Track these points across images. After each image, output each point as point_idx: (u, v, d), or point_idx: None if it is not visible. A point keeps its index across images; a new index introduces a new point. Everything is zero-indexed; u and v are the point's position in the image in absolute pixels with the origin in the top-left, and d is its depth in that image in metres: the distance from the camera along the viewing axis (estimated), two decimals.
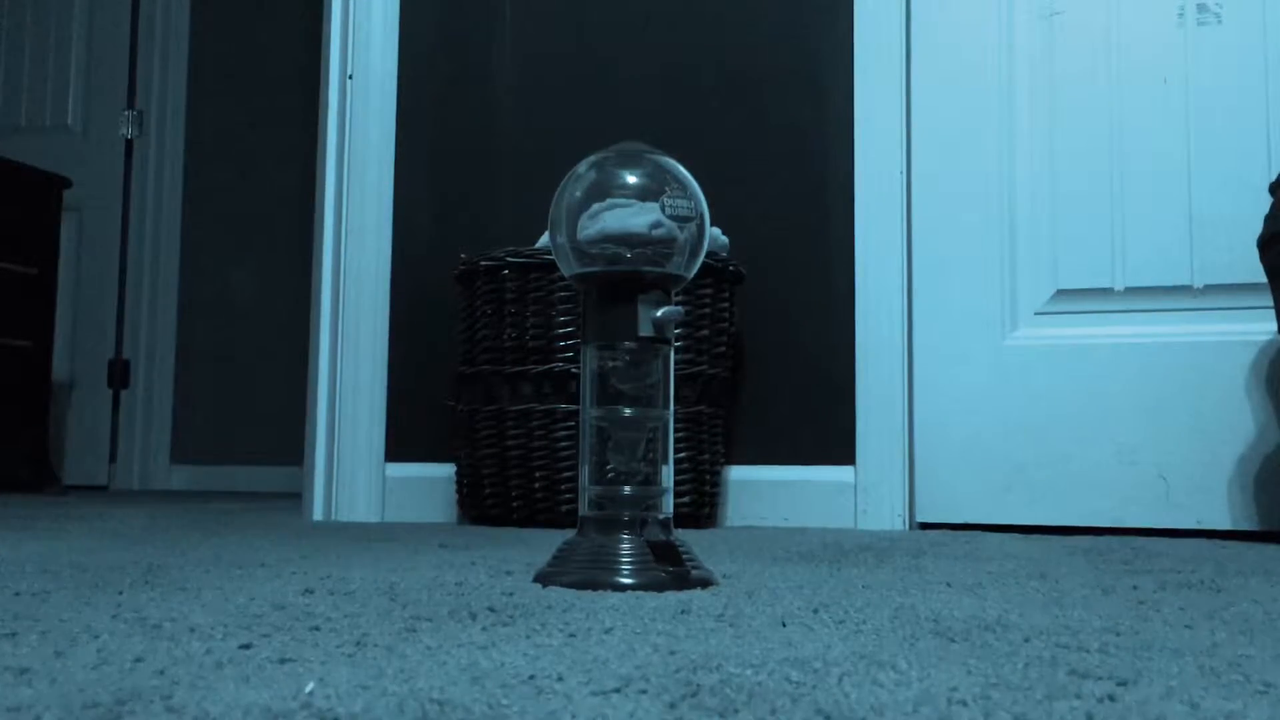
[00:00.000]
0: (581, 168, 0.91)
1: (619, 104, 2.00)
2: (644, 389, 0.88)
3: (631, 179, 0.90)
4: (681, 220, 0.89)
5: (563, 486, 1.69)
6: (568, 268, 0.90)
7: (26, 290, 2.99)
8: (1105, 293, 1.78)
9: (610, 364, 0.88)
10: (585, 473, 0.89)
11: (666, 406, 0.89)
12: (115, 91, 3.67)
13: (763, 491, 1.84)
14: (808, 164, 1.91)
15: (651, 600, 0.78)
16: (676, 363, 1.72)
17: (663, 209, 0.88)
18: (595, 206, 0.89)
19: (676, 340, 1.72)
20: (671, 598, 0.80)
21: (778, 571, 1.02)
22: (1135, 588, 0.92)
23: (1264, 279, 1.57)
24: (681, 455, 1.72)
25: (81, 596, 0.77)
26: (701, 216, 0.91)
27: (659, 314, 0.88)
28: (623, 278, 0.88)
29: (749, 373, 1.90)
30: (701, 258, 0.92)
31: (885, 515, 1.77)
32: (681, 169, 0.92)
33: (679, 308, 0.89)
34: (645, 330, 0.88)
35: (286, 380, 3.20)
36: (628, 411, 0.88)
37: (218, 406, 3.65)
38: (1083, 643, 0.61)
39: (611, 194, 0.90)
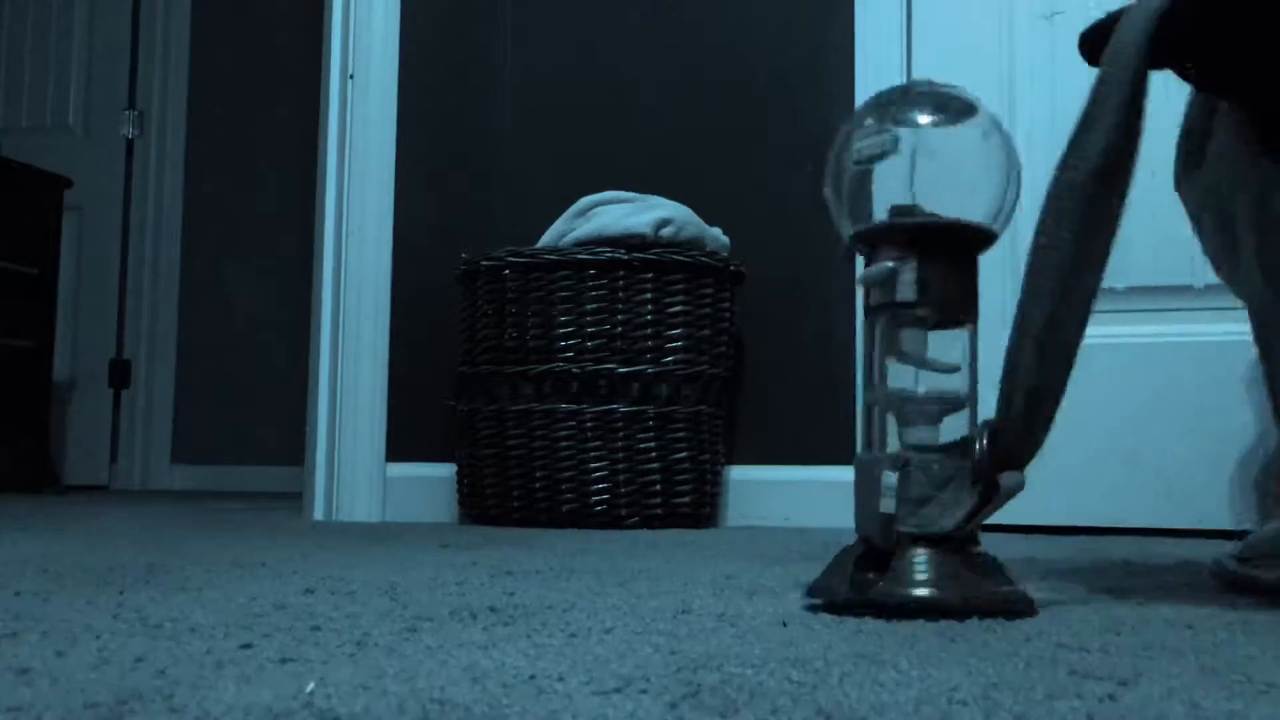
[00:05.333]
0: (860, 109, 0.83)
1: (620, 103, 2.00)
2: (928, 362, 0.80)
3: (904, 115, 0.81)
4: (872, 158, 0.78)
5: (563, 486, 1.69)
6: (844, 228, 0.82)
7: (27, 290, 2.99)
8: (1107, 292, 1.76)
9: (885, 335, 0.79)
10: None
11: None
12: (115, 91, 3.67)
13: (763, 491, 1.84)
14: (808, 165, 1.90)
15: (652, 600, 0.78)
16: (677, 362, 1.72)
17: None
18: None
19: (677, 340, 1.72)
20: (674, 598, 0.80)
21: (779, 571, 1.02)
22: (1135, 588, 0.92)
23: None
24: (682, 455, 1.72)
25: (82, 596, 0.77)
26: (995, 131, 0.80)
27: (861, 275, 0.79)
28: (857, 238, 0.80)
29: (749, 373, 1.90)
30: (1001, 205, 0.82)
31: None
32: (960, 95, 0.82)
33: (883, 266, 0.77)
34: (873, 298, 0.78)
35: (286, 380, 3.20)
36: (921, 390, 0.79)
37: (218, 406, 3.65)
38: (1083, 643, 0.61)
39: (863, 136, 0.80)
